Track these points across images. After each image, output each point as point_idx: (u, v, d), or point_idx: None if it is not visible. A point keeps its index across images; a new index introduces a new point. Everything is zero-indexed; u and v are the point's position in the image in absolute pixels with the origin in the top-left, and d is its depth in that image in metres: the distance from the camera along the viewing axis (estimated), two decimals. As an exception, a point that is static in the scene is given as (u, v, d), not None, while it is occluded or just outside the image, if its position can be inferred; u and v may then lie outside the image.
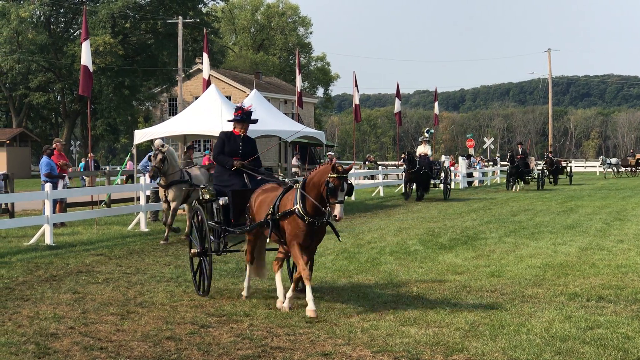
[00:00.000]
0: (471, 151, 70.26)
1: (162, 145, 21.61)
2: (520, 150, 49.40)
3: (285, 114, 44.96)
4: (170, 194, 21.43)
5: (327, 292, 13.44)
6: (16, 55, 74.48)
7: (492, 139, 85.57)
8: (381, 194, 42.77)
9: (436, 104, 61.48)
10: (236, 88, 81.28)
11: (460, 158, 56.47)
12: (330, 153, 47.13)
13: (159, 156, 21.16)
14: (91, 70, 29.48)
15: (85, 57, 29.26)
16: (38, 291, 13.52)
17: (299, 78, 43.16)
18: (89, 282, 14.51)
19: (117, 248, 19.58)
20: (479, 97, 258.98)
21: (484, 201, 37.22)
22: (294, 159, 54.44)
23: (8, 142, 76.74)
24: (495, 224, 25.50)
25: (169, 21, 73.37)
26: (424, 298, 12.86)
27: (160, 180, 21.73)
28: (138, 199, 26.86)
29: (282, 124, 34.19)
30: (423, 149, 39.91)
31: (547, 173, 55.20)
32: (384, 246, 19.63)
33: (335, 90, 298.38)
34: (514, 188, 47.30)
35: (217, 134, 30.93)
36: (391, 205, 35.09)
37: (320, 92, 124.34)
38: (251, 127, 31.08)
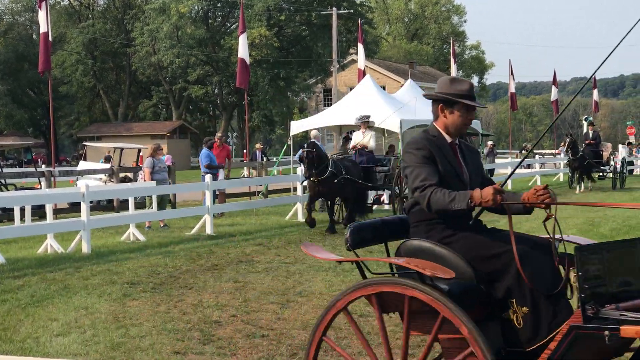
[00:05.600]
0: (631, 139, 68.33)
1: None
2: (591, 133, 37.24)
3: (440, 103, 44.73)
4: None
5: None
6: (176, 49, 76.35)
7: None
8: (538, 183, 42.05)
9: (595, 91, 60.05)
10: (390, 78, 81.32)
11: (620, 146, 54.98)
12: (490, 142, 46.51)
13: None
14: (248, 62, 30.06)
15: (242, 50, 29.86)
16: (200, 280, 13.86)
17: (453, 67, 42.86)
18: (249, 271, 14.78)
19: (275, 238, 19.85)
20: (639, 83, 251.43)
21: (646, 190, 36.16)
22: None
23: (168, 134, 78.95)
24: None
25: (323, 12, 73.93)
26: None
27: None
28: (295, 189, 27.18)
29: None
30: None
31: None
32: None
33: (490, 78, 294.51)
34: (577, 188, 35.48)
35: (375, 125, 31.16)
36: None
37: (475, 80, 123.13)
38: (407, 116, 31.18)
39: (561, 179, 44.54)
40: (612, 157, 37.71)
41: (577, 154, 34.43)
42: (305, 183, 22.54)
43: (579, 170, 35.08)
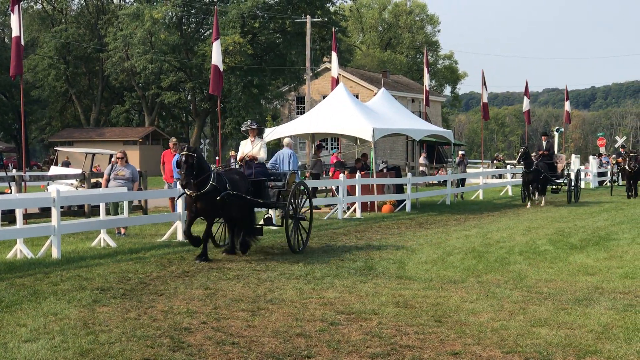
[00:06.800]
0: (602, 150, 68.77)
1: None
2: (544, 143, 35.75)
3: (413, 112, 44.87)
4: None
5: (456, 291, 13.36)
6: (149, 55, 75.97)
7: (624, 137, 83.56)
8: (509, 193, 42.29)
9: (567, 102, 60.38)
10: (364, 87, 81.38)
11: (591, 157, 55.38)
12: (461, 152, 46.62)
13: None
14: (221, 69, 29.98)
15: (216, 57, 29.77)
16: (171, 286, 13.81)
17: (426, 76, 42.99)
18: (219, 278, 14.74)
19: (246, 245, 19.75)
20: (610, 94, 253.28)
21: (616, 202, 36.36)
22: (421, 157, 54.27)
23: (140, 140, 78.57)
24: (628, 224, 24.92)
25: (298, 20, 73.83)
26: (555, 299, 12.67)
27: None
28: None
29: (410, 122, 34.15)
30: None
31: (615, 178, 47.04)
32: (513, 246, 19.40)
33: (463, 88, 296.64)
34: (529, 202, 33.75)
35: (347, 133, 31.16)
36: (520, 204, 34.60)
37: (447, 90, 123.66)
38: (379, 125, 31.13)
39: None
40: (566, 169, 36.54)
41: (530, 167, 32.69)
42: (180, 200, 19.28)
43: (532, 183, 33.23)
